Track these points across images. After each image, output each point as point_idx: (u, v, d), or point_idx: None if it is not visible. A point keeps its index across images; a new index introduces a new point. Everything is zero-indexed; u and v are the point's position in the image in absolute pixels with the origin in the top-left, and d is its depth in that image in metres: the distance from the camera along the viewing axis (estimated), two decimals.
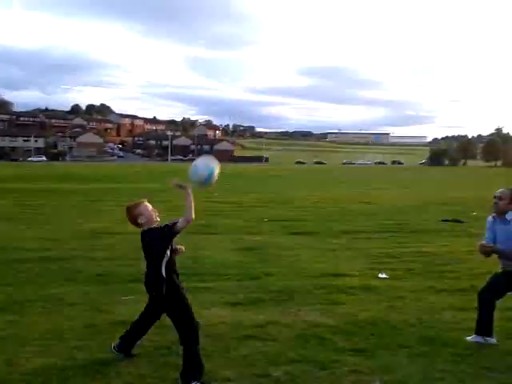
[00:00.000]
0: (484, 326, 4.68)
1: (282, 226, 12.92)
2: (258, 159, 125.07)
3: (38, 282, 6.79)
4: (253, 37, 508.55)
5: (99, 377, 3.84)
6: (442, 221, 13.95)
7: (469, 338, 4.74)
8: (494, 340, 4.67)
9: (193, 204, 3.86)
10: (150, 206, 4.09)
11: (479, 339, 4.68)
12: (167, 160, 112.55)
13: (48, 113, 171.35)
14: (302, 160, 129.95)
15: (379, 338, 4.76)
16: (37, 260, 8.17)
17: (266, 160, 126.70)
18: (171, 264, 3.97)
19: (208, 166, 3.91)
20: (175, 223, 3.91)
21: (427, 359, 4.29)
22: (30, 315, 5.31)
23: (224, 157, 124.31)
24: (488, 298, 4.69)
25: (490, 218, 4.89)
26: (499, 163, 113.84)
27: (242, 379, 3.83)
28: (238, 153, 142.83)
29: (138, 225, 4.00)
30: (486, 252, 4.67)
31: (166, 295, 3.85)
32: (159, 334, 4.69)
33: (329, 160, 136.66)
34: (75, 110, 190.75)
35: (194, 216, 3.86)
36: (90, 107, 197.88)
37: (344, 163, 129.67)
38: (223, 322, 5.12)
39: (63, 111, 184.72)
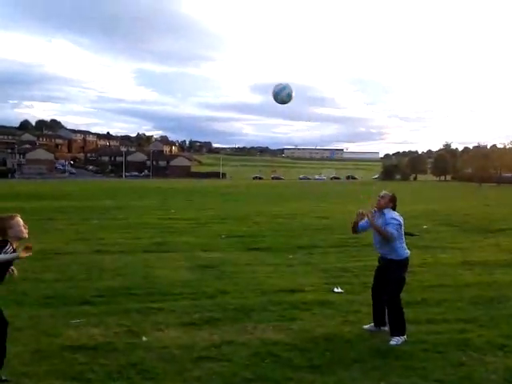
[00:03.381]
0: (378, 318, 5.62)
1: (239, 242, 12.87)
2: (216, 175, 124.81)
3: None
4: (205, 53, 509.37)
5: None
6: None
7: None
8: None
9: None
10: (21, 221, 4.10)
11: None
12: (121, 176, 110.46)
13: None
14: (259, 175, 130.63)
15: (334, 354, 4.79)
16: None
17: (224, 176, 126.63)
18: None
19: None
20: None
21: (381, 373, 4.34)
22: None
23: (181, 172, 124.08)
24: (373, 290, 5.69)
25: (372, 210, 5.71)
26: (448, 177, 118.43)
27: None
28: (195, 169, 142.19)
29: (4, 236, 3.98)
30: (362, 217, 5.69)
31: None
32: (110, 358, 4.55)
33: (286, 175, 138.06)
34: (24, 125, 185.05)
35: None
36: (40, 123, 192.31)
37: (300, 178, 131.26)
38: (177, 344, 5.01)
39: (12, 127, 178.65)
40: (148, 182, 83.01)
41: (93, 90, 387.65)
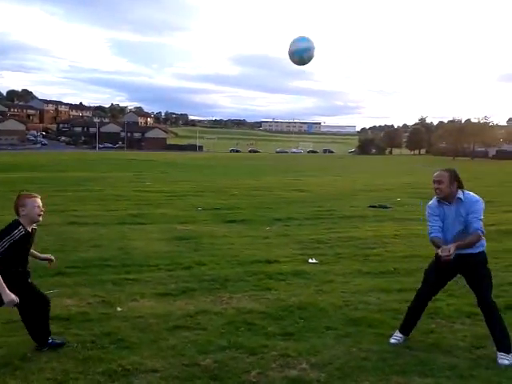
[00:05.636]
0: None
1: (216, 214, 12.87)
2: (192, 147, 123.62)
3: None
4: (182, 23, 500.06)
5: (19, 374, 3.65)
6: (369, 207, 14.51)
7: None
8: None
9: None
10: (38, 202, 3.98)
11: None
12: (95, 148, 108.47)
13: None
14: (236, 148, 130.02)
15: (307, 322, 4.87)
16: None
17: (200, 148, 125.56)
18: None
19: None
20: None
21: (353, 340, 4.44)
22: None
23: (157, 145, 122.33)
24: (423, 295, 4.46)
25: (433, 204, 4.27)
26: (423, 151, 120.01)
27: (170, 369, 3.77)
28: (171, 141, 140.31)
29: (17, 214, 3.93)
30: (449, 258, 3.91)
31: None
32: (83, 328, 4.53)
33: (263, 148, 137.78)
34: None
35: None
36: (11, 93, 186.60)
37: (277, 152, 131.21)
38: (152, 313, 5.02)
39: None
40: (122, 153, 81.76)
41: (66, 59, 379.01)
